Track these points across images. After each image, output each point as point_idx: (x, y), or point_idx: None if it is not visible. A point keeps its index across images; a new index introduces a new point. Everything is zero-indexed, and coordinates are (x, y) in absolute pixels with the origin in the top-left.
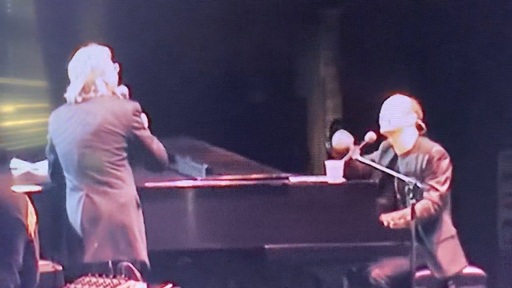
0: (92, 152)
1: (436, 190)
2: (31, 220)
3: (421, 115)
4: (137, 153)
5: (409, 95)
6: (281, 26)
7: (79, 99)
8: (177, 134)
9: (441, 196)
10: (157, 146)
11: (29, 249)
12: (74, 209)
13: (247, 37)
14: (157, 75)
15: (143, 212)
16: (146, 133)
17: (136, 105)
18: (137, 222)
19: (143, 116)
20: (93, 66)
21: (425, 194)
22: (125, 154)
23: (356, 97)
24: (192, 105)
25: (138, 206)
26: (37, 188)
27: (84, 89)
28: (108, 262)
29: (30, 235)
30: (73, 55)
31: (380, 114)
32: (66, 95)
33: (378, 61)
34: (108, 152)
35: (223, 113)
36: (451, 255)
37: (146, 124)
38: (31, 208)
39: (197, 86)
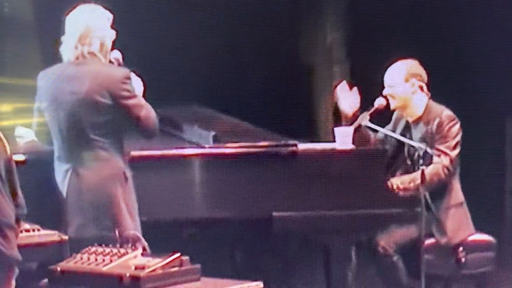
0: (78, 123)
1: (447, 154)
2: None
3: (424, 77)
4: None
5: (411, 58)
6: None
7: (72, 56)
8: (185, 101)
9: (452, 161)
10: (146, 114)
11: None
12: (61, 181)
13: (253, 5)
14: (165, 43)
15: (135, 184)
16: (134, 102)
17: (126, 71)
18: (123, 196)
19: (136, 81)
20: (90, 22)
21: (435, 159)
22: (112, 126)
23: (364, 62)
24: (199, 73)
25: (126, 179)
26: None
27: (79, 43)
28: (115, 232)
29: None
30: (72, 9)
31: (385, 88)
32: (60, 49)
33: (385, 25)
34: (95, 123)
35: (230, 81)
36: (458, 222)
37: (138, 90)
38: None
39: (204, 53)
